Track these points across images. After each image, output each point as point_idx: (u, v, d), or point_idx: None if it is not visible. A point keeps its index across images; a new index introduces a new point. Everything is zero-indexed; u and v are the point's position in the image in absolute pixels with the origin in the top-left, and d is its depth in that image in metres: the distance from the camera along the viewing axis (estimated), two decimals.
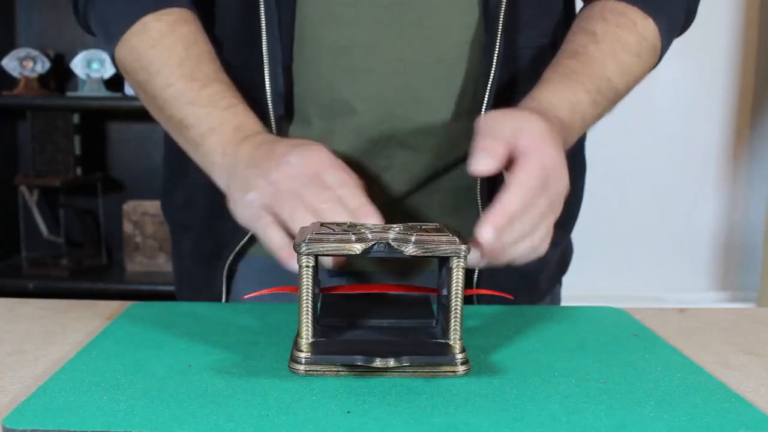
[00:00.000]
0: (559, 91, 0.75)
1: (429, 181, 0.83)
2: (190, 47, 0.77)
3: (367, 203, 0.64)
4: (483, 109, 0.78)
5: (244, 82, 0.81)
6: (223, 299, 0.86)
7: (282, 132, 0.82)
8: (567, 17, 0.88)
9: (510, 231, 0.62)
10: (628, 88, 0.80)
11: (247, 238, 0.82)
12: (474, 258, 0.61)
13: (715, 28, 2.17)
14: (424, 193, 0.84)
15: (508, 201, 0.62)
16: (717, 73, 2.23)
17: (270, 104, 0.79)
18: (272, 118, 0.79)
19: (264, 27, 0.77)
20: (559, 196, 0.66)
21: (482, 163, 0.64)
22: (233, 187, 0.70)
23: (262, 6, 0.77)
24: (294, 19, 0.79)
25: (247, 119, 0.74)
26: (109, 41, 0.81)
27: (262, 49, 0.78)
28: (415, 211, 0.84)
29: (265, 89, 0.78)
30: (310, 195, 0.64)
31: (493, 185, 0.82)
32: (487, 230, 0.61)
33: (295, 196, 0.64)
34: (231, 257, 0.84)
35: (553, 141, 0.67)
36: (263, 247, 0.86)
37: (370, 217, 0.63)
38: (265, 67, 0.78)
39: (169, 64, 0.77)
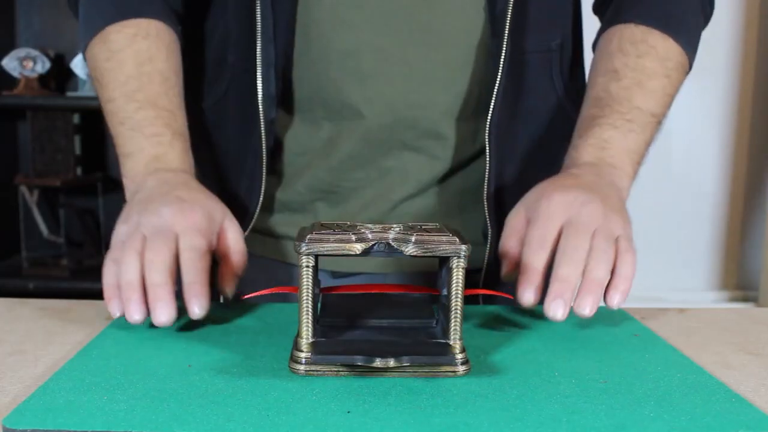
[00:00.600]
0: (581, 143, 0.76)
1: (434, 183, 0.84)
2: (142, 65, 0.77)
3: (200, 282, 0.63)
4: (490, 113, 0.78)
5: (241, 82, 0.81)
6: (221, 299, 0.86)
7: (275, 134, 0.82)
8: (576, 21, 0.88)
9: (560, 284, 0.62)
10: (667, 107, 0.80)
11: None
12: (526, 300, 0.64)
13: (715, 28, 2.17)
14: (430, 195, 0.84)
15: (525, 259, 0.65)
16: (717, 73, 2.23)
17: (261, 107, 0.79)
18: (262, 120, 0.79)
19: (259, 29, 0.77)
20: (606, 229, 0.66)
21: (503, 265, 0.70)
22: (123, 212, 0.70)
23: (258, 7, 0.77)
24: (294, 22, 0.79)
25: (169, 150, 0.74)
26: (79, 42, 0.83)
27: (256, 51, 0.78)
28: (420, 212, 0.84)
29: (257, 91, 0.78)
30: (151, 246, 0.63)
31: (500, 188, 0.82)
32: (524, 295, 0.64)
33: (138, 243, 0.64)
34: None
35: (563, 187, 0.68)
36: (257, 246, 0.87)
37: (193, 299, 0.62)
38: (257, 69, 0.78)
39: (116, 79, 0.77)
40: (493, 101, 0.78)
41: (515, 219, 0.70)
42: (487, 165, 0.79)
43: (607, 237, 0.64)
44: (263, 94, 0.78)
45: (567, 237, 0.64)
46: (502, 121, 0.80)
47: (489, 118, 0.78)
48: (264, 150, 0.80)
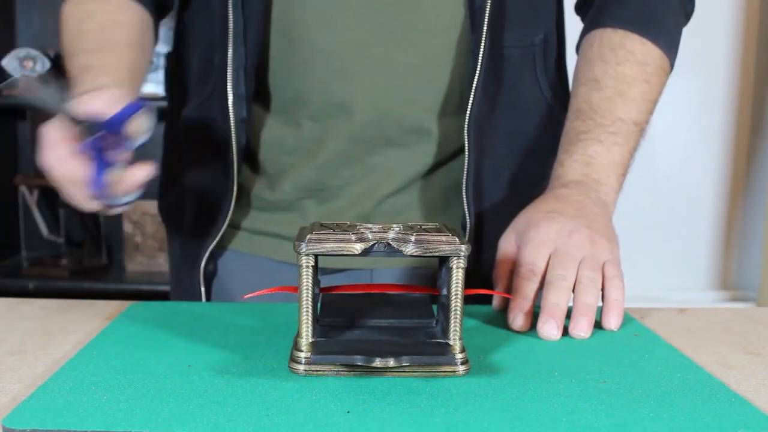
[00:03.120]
0: (566, 159, 0.77)
1: (418, 179, 0.84)
2: (81, 23, 0.79)
3: None
4: (468, 108, 0.79)
5: (223, 83, 0.82)
6: (203, 300, 0.87)
7: (258, 136, 0.84)
8: (559, 16, 0.88)
9: (551, 308, 0.64)
10: (650, 113, 0.81)
11: (216, 240, 0.83)
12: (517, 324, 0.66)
13: (715, 27, 2.17)
14: (414, 191, 0.85)
15: (515, 286, 0.67)
16: (717, 72, 2.23)
17: (230, 107, 0.79)
18: (231, 120, 0.80)
19: (231, 30, 0.78)
20: (592, 257, 0.68)
21: (495, 297, 0.72)
22: None
23: (230, 9, 0.77)
24: (268, 23, 0.79)
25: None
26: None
27: (227, 52, 0.78)
28: (404, 208, 0.85)
29: (227, 92, 0.79)
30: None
31: (479, 181, 0.83)
32: (515, 320, 0.65)
33: None
34: (204, 259, 0.85)
35: (551, 215, 0.70)
36: (247, 245, 0.88)
37: None
38: (228, 69, 0.79)
39: (64, 50, 0.79)
40: (471, 96, 0.79)
41: (506, 244, 0.73)
42: (466, 159, 0.80)
43: (594, 266, 0.67)
44: (233, 94, 0.79)
45: (554, 267, 0.66)
46: (481, 115, 0.80)
47: (468, 112, 0.79)
48: (234, 149, 0.80)
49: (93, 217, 2.34)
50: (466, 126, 0.79)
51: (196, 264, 0.86)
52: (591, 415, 0.46)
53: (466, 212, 0.81)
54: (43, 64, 2.14)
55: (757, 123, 2.27)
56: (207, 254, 0.84)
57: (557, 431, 0.44)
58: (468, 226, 0.81)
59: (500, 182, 0.85)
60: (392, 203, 0.84)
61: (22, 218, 2.29)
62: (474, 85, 0.79)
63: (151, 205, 2.20)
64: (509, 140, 0.85)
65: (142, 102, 0.67)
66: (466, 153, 0.80)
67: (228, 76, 0.79)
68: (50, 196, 2.31)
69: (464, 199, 0.81)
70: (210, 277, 0.88)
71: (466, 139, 0.80)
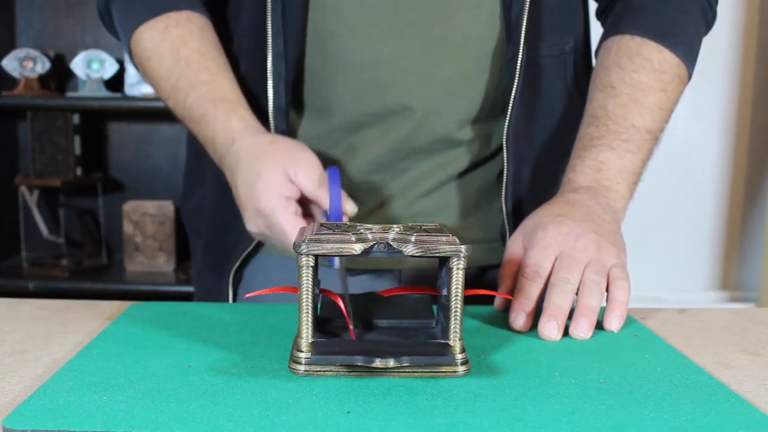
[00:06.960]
0: (578, 164, 0.77)
1: (450, 181, 0.84)
2: (178, 51, 0.79)
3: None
4: (507, 118, 0.80)
5: (250, 92, 0.82)
6: (230, 299, 0.87)
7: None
8: (586, 22, 0.89)
9: (553, 308, 0.64)
10: (665, 121, 0.81)
11: (250, 248, 0.83)
12: (519, 323, 0.65)
13: (715, 28, 2.17)
14: (444, 193, 0.85)
15: (519, 286, 0.68)
16: (717, 73, 2.23)
17: (271, 119, 0.80)
18: (272, 132, 0.80)
19: (270, 44, 0.78)
20: (598, 261, 0.67)
21: (497, 297, 0.71)
22: (237, 202, 0.76)
23: (269, 23, 0.77)
24: (304, 37, 0.79)
25: (219, 126, 0.76)
26: (126, 51, 0.85)
27: (267, 65, 0.79)
28: (436, 210, 0.85)
29: (268, 104, 0.79)
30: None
31: (518, 190, 0.83)
32: (516, 320, 0.65)
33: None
34: (236, 266, 0.85)
35: (559, 218, 0.70)
36: (269, 249, 0.89)
37: None
38: (268, 82, 0.79)
39: (160, 77, 0.80)
40: (510, 106, 0.79)
41: (514, 246, 0.73)
42: (505, 169, 0.81)
43: (599, 270, 0.67)
44: (273, 107, 0.79)
45: (559, 269, 0.66)
46: (518, 125, 0.81)
47: (507, 123, 0.80)
48: None
49: (93, 217, 2.34)
50: (504, 137, 0.80)
51: (225, 271, 0.86)
52: (591, 415, 0.46)
53: (505, 219, 0.82)
54: (43, 64, 2.14)
55: (757, 124, 2.27)
56: (238, 262, 0.85)
57: (557, 431, 0.44)
58: (508, 231, 0.82)
59: (537, 189, 0.85)
60: (423, 205, 0.84)
61: (22, 218, 2.29)
62: (513, 94, 0.79)
63: (151, 205, 2.20)
64: (544, 147, 0.85)
65: (334, 169, 0.73)
66: (505, 163, 0.81)
67: (269, 87, 0.79)
68: (50, 196, 2.32)
69: (503, 205, 0.82)
70: (237, 281, 0.88)
71: (504, 150, 0.80)
